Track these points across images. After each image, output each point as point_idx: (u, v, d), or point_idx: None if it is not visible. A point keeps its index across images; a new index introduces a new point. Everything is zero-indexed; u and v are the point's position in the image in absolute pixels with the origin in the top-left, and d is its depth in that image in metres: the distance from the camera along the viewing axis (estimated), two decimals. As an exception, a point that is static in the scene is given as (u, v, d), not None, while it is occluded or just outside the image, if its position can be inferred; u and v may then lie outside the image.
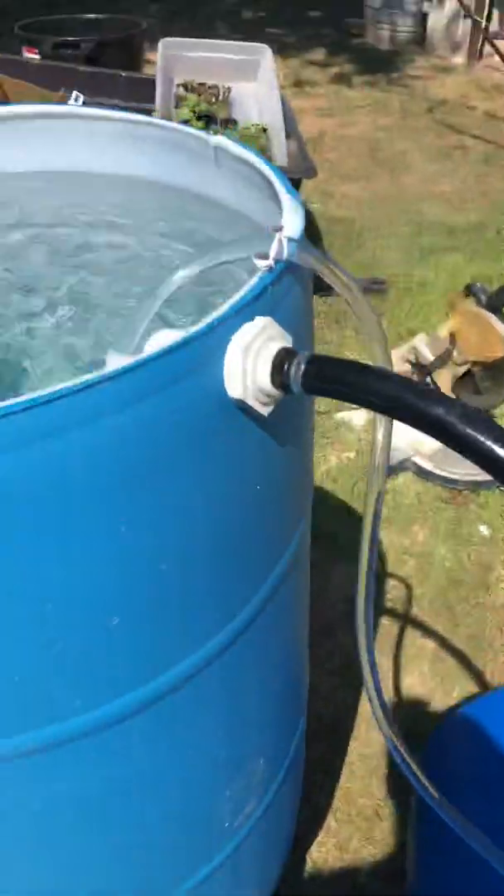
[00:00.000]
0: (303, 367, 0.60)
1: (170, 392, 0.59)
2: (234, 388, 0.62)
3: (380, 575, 2.15)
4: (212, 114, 3.18)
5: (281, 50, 4.66)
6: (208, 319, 0.61)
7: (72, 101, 3.31)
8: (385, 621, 2.01)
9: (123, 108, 3.58)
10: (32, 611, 0.59)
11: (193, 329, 0.60)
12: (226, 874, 0.95)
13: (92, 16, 4.36)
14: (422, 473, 2.46)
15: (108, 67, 3.73)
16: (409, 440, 2.48)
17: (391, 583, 2.13)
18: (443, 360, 2.54)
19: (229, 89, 3.33)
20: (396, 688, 1.85)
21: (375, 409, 0.60)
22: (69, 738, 0.68)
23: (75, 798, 0.74)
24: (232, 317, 0.62)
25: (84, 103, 3.44)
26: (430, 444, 2.45)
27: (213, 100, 3.27)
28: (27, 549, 0.57)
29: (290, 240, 0.67)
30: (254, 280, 0.65)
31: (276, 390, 0.63)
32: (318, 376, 0.60)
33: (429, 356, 2.54)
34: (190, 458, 0.63)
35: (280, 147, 3.06)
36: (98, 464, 0.58)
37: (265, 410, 0.64)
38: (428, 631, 1.98)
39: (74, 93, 3.42)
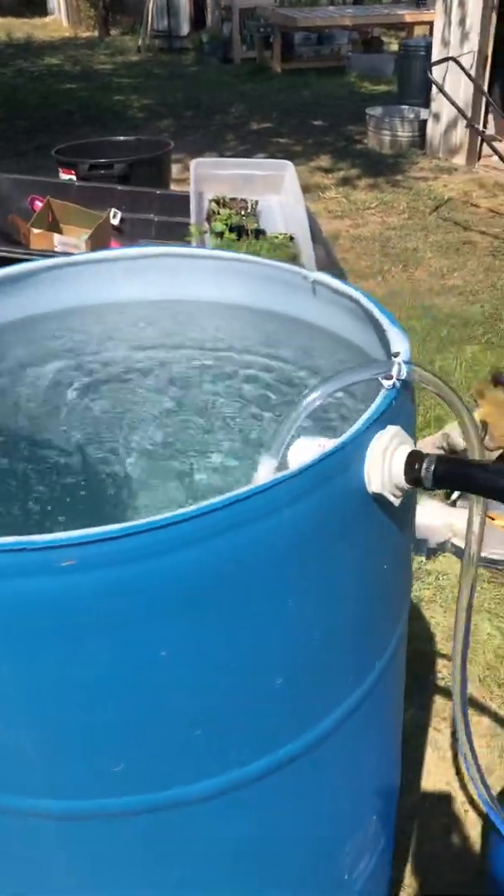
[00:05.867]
0: (433, 466, 0.75)
1: (328, 486, 0.74)
2: (375, 483, 0.76)
3: (430, 654, 2.25)
4: (243, 225, 3.43)
5: (288, 158, 5.00)
6: (353, 430, 0.76)
7: (113, 217, 3.57)
8: (439, 699, 2.10)
9: (159, 221, 3.82)
10: (240, 662, 0.72)
11: (341, 438, 0.75)
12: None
13: (121, 138, 4.72)
14: (461, 554, 2.57)
15: (139, 185, 4.02)
16: (446, 521, 2.60)
17: (441, 662, 2.23)
18: (475, 446, 2.69)
19: (256, 202, 3.60)
20: (456, 765, 1.93)
21: (495, 498, 0.74)
22: (241, 784, 0.80)
23: (233, 844, 0.85)
24: (371, 426, 0.77)
25: (122, 219, 3.71)
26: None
27: (243, 212, 3.53)
28: (235, 615, 0.71)
29: (406, 362, 0.83)
30: (381, 396, 0.80)
31: (407, 485, 0.77)
32: (446, 474, 0.75)
33: (461, 444, 2.70)
34: (341, 540, 0.77)
35: (308, 253, 3.30)
36: (274, 546, 0.72)
37: (396, 502, 0.79)
38: (482, 707, 2.07)
39: (113, 210, 3.69)
